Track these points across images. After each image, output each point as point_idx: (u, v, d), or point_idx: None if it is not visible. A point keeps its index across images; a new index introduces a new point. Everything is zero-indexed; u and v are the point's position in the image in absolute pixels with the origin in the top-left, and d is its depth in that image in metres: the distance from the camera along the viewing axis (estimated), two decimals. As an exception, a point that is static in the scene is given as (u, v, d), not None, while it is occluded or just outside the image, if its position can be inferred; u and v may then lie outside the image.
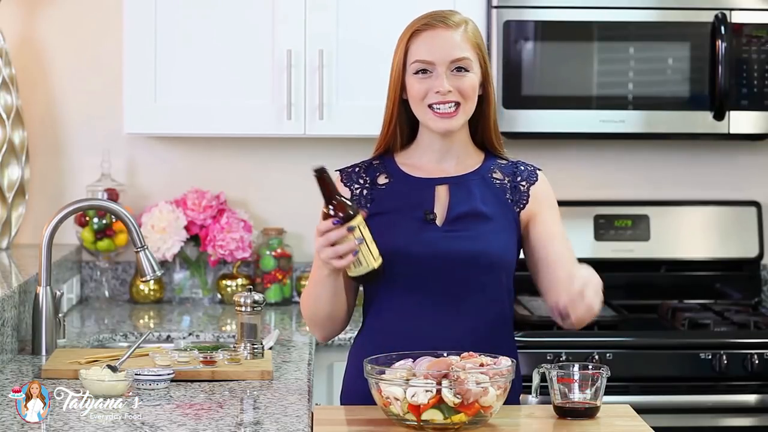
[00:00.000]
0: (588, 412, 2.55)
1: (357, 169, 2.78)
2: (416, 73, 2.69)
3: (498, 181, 2.77)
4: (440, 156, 2.76)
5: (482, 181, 2.76)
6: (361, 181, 2.76)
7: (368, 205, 2.74)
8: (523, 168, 2.80)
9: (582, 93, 3.89)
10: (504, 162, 2.80)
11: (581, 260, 4.03)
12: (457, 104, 2.68)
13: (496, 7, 3.83)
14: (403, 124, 2.77)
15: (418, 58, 2.68)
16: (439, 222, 2.72)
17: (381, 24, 3.80)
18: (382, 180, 2.77)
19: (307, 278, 4.09)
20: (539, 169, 2.82)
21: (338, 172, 2.78)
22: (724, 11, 3.86)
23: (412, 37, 2.70)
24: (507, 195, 2.76)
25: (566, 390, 2.55)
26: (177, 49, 3.81)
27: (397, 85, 2.73)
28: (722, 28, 3.84)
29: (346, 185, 2.76)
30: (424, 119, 2.71)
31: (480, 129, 2.78)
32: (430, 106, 2.68)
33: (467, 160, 2.78)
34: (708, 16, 3.87)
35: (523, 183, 2.77)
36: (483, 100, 2.74)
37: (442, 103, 2.67)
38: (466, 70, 2.68)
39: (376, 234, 2.62)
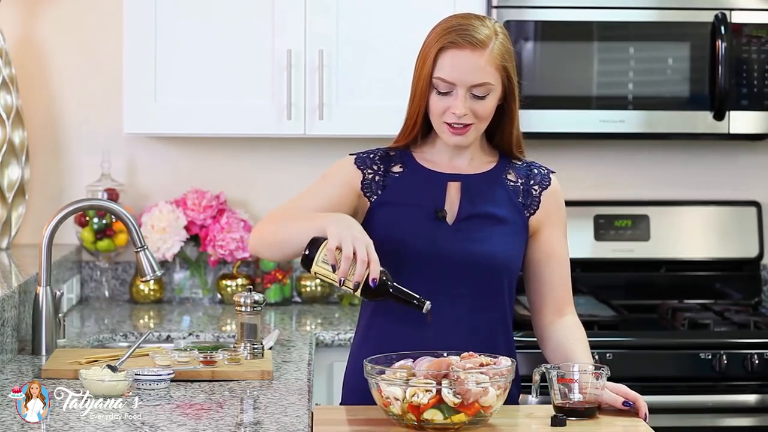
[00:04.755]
0: (588, 412, 2.55)
1: (372, 155, 2.78)
2: (437, 88, 2.68)
3: (512, 183, 2.77)
4: (453, 154, 2.76)
5: (496, 182, 2.76)
6: (375, 167, 2.76)
7: (380, 191, 2.74)
8: (536, 171, 2.80)
9: (582, 93, 3.89)
10: (518, 163, 2.80)
11: (581, 260, 4.07)
12: (470, 123, 2.67)
13: (496, 7, 3.83)
14: (423, 124, 2.76)
15: (441, 76, 2.65)
16: (449, 220, 2.72)
17: (381, 24, 3.80)
18: (396, 169, 2.77)
19: (306, 278, 4.09)
20: (553, 172, 2.81)
21: (353, 156, 2.78)
22: (724, 11, 3.86)
23: (439, 52, 2.65)
24: (519, 198, 2.76)
25: (566, 390, 2.55)
26: (177, 49, 3.82)
27: (424, 94, 2.69)
28: (722, 28, 3.84)
29: (359, 168, 2.76)
30: (438, 130, 2.72)
31: (498, 137, 2.78)
32: (445, 122, 2.68)
33: (481, 159, 2.78)
34: (708, 16, 3.87)
35: (536, 187, 2.77)
36: (503, 112, 2.73)
37: (456, 123, 2.67)
38: (486, 95, 2.67)
39: (385, 224, 2.67)
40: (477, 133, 2.70)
